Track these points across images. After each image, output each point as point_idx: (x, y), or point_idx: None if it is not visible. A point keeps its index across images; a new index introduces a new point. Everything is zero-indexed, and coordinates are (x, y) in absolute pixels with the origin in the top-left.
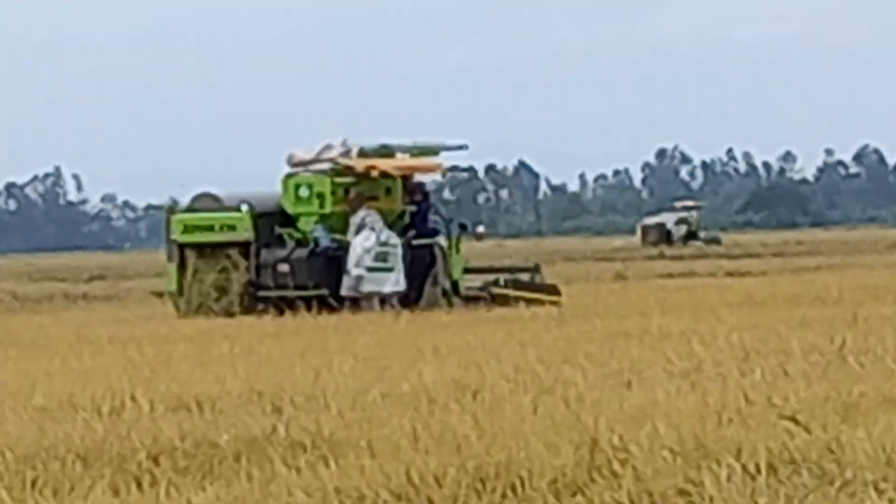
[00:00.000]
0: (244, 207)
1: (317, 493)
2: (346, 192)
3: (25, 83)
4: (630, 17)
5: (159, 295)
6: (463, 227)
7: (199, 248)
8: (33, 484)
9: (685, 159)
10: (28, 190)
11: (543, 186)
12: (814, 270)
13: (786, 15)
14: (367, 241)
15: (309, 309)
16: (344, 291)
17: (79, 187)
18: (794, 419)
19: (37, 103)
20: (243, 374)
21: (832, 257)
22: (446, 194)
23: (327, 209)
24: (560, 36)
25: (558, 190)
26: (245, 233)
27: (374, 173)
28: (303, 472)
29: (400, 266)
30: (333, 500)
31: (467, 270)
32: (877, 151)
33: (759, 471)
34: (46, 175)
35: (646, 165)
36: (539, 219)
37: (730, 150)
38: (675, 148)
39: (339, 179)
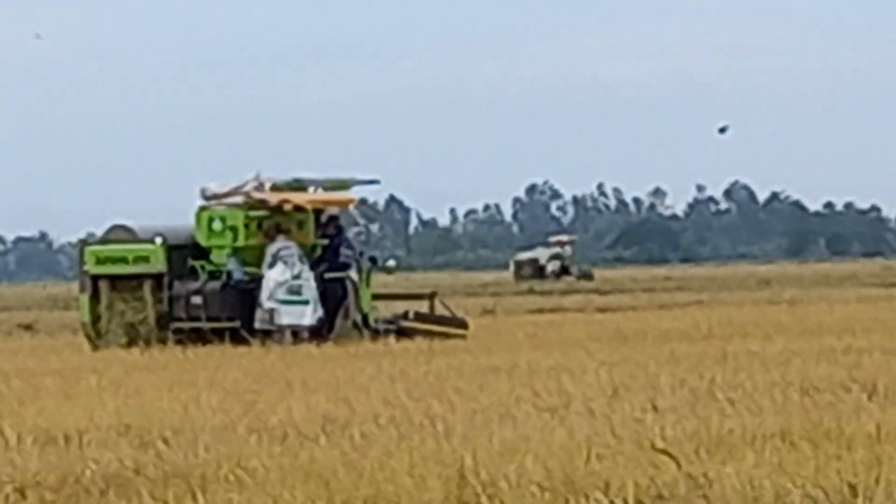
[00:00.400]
0: (157, 240)
1: None
2: (259, 225)
3: None
4: (500, 53)
5: (28, 327)
6: (373, 260)
7: (113, 279)
8: None
9: (555, 194)
10: None
11: (414, 221)
12: (683, 306)
13: (655, 52)
14: (280, 274)
15: (221, 341)
16: (257, 324)
17: None
18: (666, 452)
19: None
20: (112, 408)
21: (702, 293)
22: None
23: (240, 242)
24: (431, 71)
25: (429, 225)
26: (158, 265)
27: (288, 207)
28: None
29: (315, 298)
30: None
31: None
32: (746, 188)
33: None
34: None
35: (516, 200)
36: (410, 253)
37: (600, 186)
38: (546, 183)
39: (252, 213)
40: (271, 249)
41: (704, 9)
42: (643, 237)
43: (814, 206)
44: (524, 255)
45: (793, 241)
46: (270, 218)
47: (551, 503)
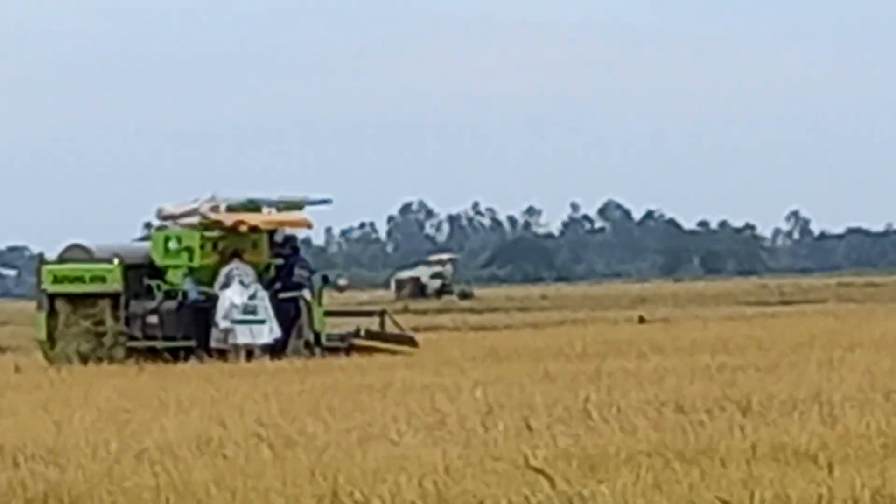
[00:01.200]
0: (114, 259)
1: None
2: (215, 245)
3: None
4: (374, 70)
5: None
6: (325, 279)
7: (70, 297)
8: None
9: (430, 213)
10: None
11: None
12: (558, 325)
13: (531, 67)
14: (237, 294)
15: (177, 359)
16: (213, 343)
17: None
18: (541, 471)
19: None
20: None
21: (577, 311)
22: None
23: (196, 262)
24: (303, 90)
25: (303, 244)
26: (115, 284)
27: (243, 228)
28: None
29: (271, 316)
30: None
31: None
32: (620, 206)
33: None
34: None
35: (391, 219)
36: None
37: (476, 204)
38: (420, 202)
39: (207, 233)
40: (224, 269)
41: (578, 25)
42: (518, 256)
43: (688, 224)
44: (405, 274)
45: (667, 260)
46: (225, 238)
47: None
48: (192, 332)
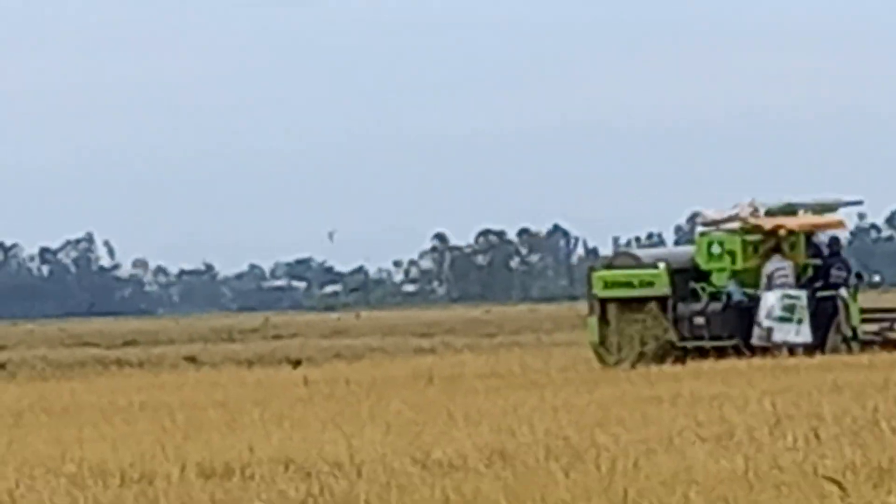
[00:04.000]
0: (661, 265)
1: None
2: (756, 248)
3: (56, 145)
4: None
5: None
6: (860, 277)
7: (620, 301)
8: None
9: None
10: (61, 255)
11: (579, 250)
12: None
13: (816, 74)
14: (776, 295)
15: (720, 357)
16: (755, 341)
17: (111, 253)
18: (834, 479)
19: (67, 167)
20: (274, 441)
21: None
22: (479, 258)
23: (739, 265)
24: (584, 98)
25: (592, 253)
26: (663, 288)
27: (782, 231)
28: None
29: (806, 317)
30: None
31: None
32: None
33: None
34: (78, 240)
35: (678, 228)
36: (572, 283)
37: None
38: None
39: (748, 237)
40: (766, 270)
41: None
42: None
43: None
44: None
45: None
46: (765, 242)
47: None
48: (736, 331)
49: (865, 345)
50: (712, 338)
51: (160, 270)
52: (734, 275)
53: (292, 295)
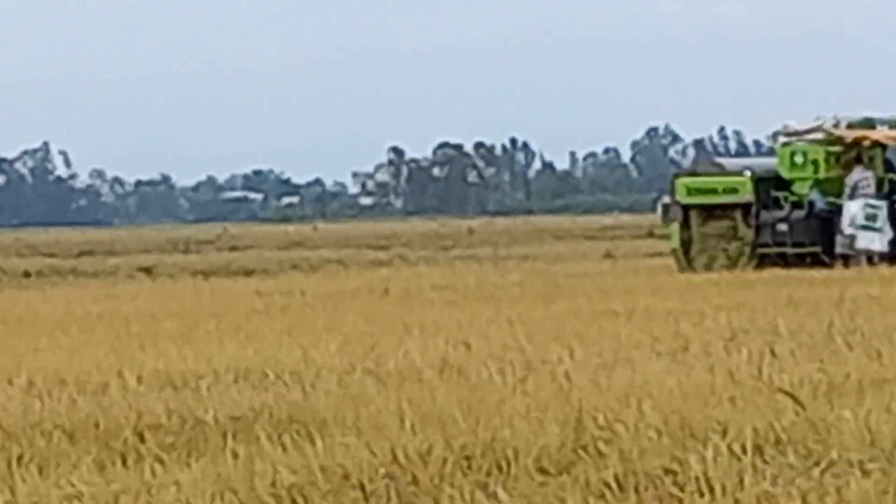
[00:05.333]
0: (746, 173)
1: (302, 471)
2: (837, 159)
3: (12, 56)
4: None
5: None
6: None
7: (703, 208)
8: (19, 460)
9: (675, 138)
10: (18, 165)
11: (536, 164)
12: None
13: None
14: (858, 204)
15: (803, 264)
16: (838, 249)
17: (67, 163)
18: (790, 394)
19: (23, 76)
20: (230, 352)
21: None
22: (436, 171)
23: (821, 175)
24: (553, 10)
25: (549, 168)
26: (747, 195)
27: (866, 143)
28: (288, 450)
29: (887, 227)
30: (319, 478)
31: None
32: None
33: (745, 451)
34: (35, 150)
35: (635, 144)
36: (529, 197)
37: (721, 129)
38: (666, 126)
39: (831, 148)
40: (849, 181)
41: None
42: None
43: None
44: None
45: None
46: (847, 153)
47: (669, 448)
48: (818, 239)
49: None
50: (794, 245)
51: (117, 181)
52: (816, 184)
53: (249, 206)
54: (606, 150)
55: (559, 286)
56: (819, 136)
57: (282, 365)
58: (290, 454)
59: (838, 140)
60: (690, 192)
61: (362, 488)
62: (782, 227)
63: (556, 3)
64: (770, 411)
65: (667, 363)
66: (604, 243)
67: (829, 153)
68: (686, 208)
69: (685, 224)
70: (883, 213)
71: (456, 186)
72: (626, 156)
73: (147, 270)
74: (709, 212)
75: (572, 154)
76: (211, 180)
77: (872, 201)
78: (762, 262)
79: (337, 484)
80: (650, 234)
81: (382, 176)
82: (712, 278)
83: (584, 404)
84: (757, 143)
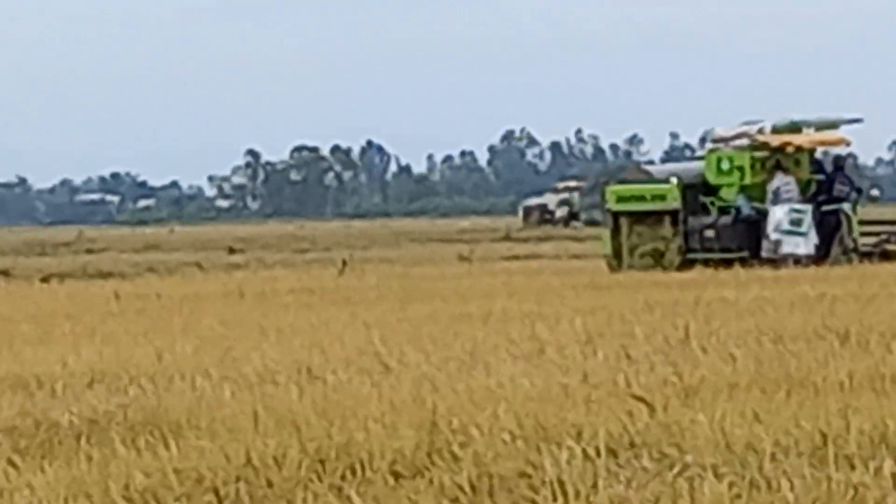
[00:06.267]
0: (673, 180)
1: (156, 474)
2: (763, 164)
3: None
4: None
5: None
6: (859, 191)
7: (632, 215)
8: None
9: (532, 141)
10: None
11: (392, 167)
12: None
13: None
14: (783, 209)
15: (729, 268)
16: (763, 253)
17: None
18: (641, 398)
19: None
20: (85, 354)
21: None
22: (293, 174)
23: (747, 180)
24: (416, 20)
25: (405, 171)
26: (674, 202)
27: (789, 148)
28: (142, 453)
29: (812, 231)
30: (172, 481)
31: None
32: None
33: (599, 454)
34: None
35: (491, 148)
36: (386, 200)
37: (579, 131)
38: (523, 130)
39: (756, 154)
40: (771, 186)
41: None
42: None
43: None
44: (533, 201)
45: None
46: (771, 158)
47: (523, 451)
48: (745, 244)
49: (864, 256)
50: (722, 250)
51: None
52: (742, 189)
53: (105, 209)
54: (463, 154)
55: (416, 289)
56: (745, 141)
57: (137, 368)
58: (145, 457)
59: (764, 145)
60: (619, 199)
61: (216, 492)
62: (709, 232)
63: (411, 14)
64: (624, 414)
65: (522, 366)
66: (461, 246)
67: (754, 159)
68: (616, 215)
69: (615, 231)
70: (808, 218)
71: (313, 189)
72: (483, 159)
73: (3, 273)
74: (638, 219)
75: (429, 157)
76: (67, 183)
77: (798, 206)
78: (690, 265)
79: (191, 487)
80: (507, 238)
81: (239, 179)
82: (569, 282)
83: (439, 407)
84: (613, 147)
